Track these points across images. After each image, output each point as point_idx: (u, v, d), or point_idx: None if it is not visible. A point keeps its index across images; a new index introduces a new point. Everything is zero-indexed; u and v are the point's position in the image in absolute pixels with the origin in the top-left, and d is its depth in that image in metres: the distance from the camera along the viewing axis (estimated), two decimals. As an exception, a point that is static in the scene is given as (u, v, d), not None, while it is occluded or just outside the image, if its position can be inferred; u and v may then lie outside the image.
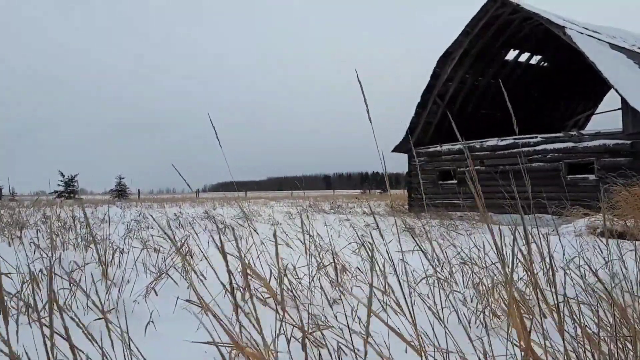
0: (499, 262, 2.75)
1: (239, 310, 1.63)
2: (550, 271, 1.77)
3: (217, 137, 1.95)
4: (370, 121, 1.75)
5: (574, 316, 1.70)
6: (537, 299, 1.68)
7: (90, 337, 1.50)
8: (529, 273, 1.79)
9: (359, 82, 1.70)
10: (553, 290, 1.63)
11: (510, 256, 1.60)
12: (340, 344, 1.93)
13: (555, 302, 1.59)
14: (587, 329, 1.58)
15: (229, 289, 1.65)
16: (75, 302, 2.87)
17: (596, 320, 1.69)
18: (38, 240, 4.41)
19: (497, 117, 16.82)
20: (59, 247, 4.51)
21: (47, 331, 1.34)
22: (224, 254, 1.63)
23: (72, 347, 1.30)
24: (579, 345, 1.59)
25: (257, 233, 3.58)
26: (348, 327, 1.83)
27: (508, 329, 1.83)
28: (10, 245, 5.08)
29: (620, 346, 1.58)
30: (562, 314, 1.58)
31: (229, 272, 1.62)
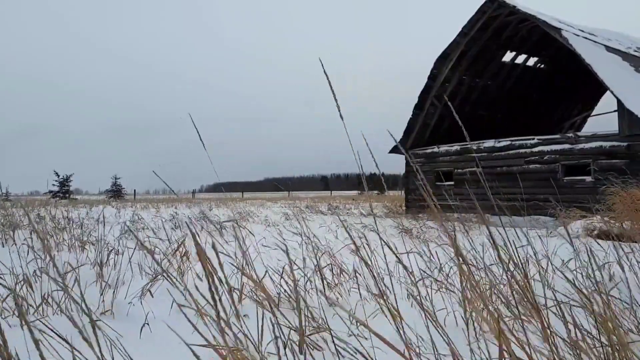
0: (496, 264, 2.74)
1: (235, 313, 1.61)
2: (524, 275, 1.75)
3: (201, 139, 1.92)
4: (342, 119, 1.72)
5: (564, 318, 1.69)
6: (520, 301, 1.67)
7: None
8: (520, 276, 1.78)
9: (325, 74, 1.68)
10: (542, 293, 1.61)
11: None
12: (338, 347, 1.91)
13: (535, 305, 1.58)
14: (577, 329, 1.57)
15: (223, 292, 1.63)
16: (70, 303, 2.84)
17: (586, 323, 1.67)
18: (32, 241, 4.37)
19: (495, 119, 16.85)
20: (53, 247, 4.47)
21: (39, 334, 1.31)
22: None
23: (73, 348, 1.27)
24: (571, 347, 1.58)
25: (254, 235, 3.56)
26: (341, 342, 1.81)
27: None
28: (3, 246, 5.05)
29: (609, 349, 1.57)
30: (547, 317, 1.56)
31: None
